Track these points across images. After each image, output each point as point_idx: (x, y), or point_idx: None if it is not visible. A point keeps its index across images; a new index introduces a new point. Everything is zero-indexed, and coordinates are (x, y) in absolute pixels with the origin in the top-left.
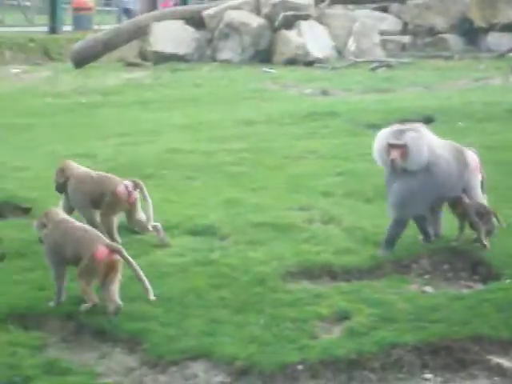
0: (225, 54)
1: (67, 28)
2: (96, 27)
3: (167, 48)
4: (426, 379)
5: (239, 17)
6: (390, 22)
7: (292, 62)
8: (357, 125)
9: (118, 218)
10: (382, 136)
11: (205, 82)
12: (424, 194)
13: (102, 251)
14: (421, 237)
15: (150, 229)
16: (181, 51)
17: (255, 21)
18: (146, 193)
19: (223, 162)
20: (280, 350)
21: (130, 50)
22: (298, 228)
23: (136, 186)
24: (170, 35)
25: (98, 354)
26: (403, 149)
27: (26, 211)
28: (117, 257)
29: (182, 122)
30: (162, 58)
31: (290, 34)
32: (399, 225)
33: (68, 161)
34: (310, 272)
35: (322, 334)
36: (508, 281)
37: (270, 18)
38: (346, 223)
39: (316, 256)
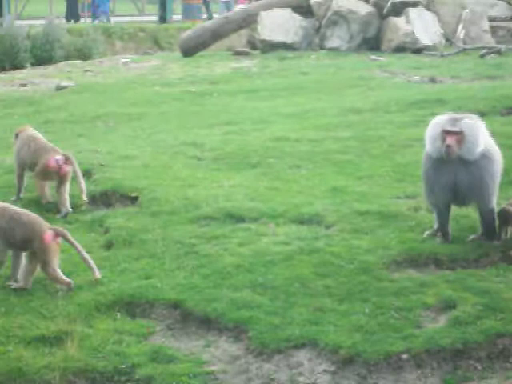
0: (332, 42)
1: (177, 17)
2: (204, 16)
3: (275, 36)
4: None
5: (347, 4)
6: (499, 8)
7: (400, 49)
8: (463, 112)
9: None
10: (437, 123)
11: (312, 70)
12: (496, 183)
13: (48, 234)
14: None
15: (85, 199)
16: (289, 39)
17: (363, 8)
18: (77, 167)
19: (329, 150)
20: (385, 339)
21: (238, 39)
22: (403, 216)
23: (67, 160)
24: (278, 24)
25: (204, 342)
26: (459, 136)
27: (133, 200)
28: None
29: (288, 110)
30: (269, 47)
31: (399, 22)
32: (494, 212)
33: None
34: (416, 260)
35: (427, 323)
36: None
37: (378, 6)
38: (452, 212)
39: (421, 244)
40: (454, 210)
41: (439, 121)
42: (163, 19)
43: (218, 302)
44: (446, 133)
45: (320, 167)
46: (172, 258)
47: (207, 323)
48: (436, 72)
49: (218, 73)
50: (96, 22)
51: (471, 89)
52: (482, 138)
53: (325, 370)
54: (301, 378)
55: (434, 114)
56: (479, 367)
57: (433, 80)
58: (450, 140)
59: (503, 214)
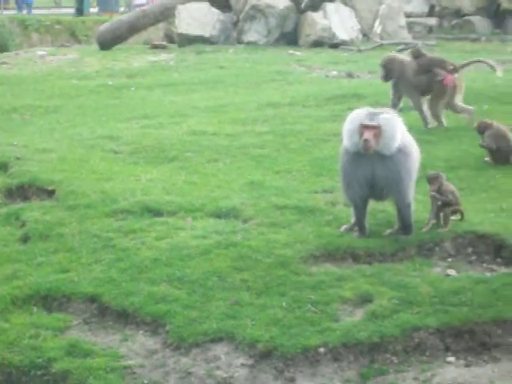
0: (250, 36)
1: (95, 10)
2: (122, 9)
3: (193, 30)
4: (449, 362)
5: None
6: (416, 5)
7: (318, 44)
8: (382, 107)
9: None
10: (355, 117)
11: (230, 65)
12: (413, 177)
13: None
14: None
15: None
16: (206, 33)
17: (281, 3)
18: None
19: (247, 144)
20: (302, 332)
21: (155, 32)
22: (321, 211)
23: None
24: (196, 17)
25: (121, 337)
26: (376, 130)
27: (49, 193)
28: None
29: (206, 104)
30: (187, 40)
31: (316, 16)
32: (411, 207)
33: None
34: (333, 255)
35: (344, 316)
36: None
37: (295, 0)
38: (369, 206)
39: (339, 239)
40: (371, 204)
41: (357, 115)
42: (80, 12)
43: (136, 295)
44: (364, 127)
45: (238, 161)
46: (89, 251)
47: (124, 317)
48: (353, 67)
49: (136, 66)
50: (24, 12)
51: (388, 84)
52: (399, 132)
53: (242, 364)
54: (218, 372)
55: (351, 109)
56: (395, 360)
57: (350, 75)
58: (368, 134)
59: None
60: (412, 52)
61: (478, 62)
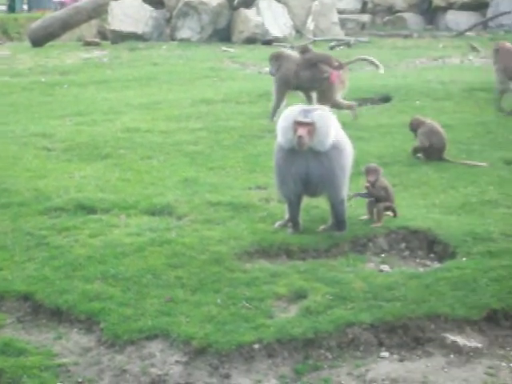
0: (183, 33)
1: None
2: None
3: (126, 27)
4: (383, 357)
5: None
6: (349, 1)
7: (251, 40)
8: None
9: None
10: (289, 114)
11: (163, 61)
12: (347, 174)
13: None
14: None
15: None
16: (139, 30)
17: None
18: None
19: (181, 141)
20: (236, 329)
21: (88, 29)
22: (254, 207)
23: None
24: (129, 14)
25: (55, 335)
26: (310, 127)
27: None
28: None
29: (139, 101)
30: (120, 37)
31: (249, 13)
32: (344, 203)
33: None
34: (267, 251)
35: (279, 313)
36: (464, 259)
37: None
38: (302, 202)
39: (273, 235)
40: (305, 200)
41: (291, 112)
42: (12, 9)
43: (70, 293)
44: (298, 124)
45: (171, 158)
46: (22, 249)
47: (58, 315)
48: None
49: (69, 63)
50: None
51: None
52: (333, 129)
53: (177, 361)
54: (153, 369)
55: (284, 105)
56: (330, 356)
57: None
58: (302, 131)
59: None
60: (299, 48)
61: (363, 59)
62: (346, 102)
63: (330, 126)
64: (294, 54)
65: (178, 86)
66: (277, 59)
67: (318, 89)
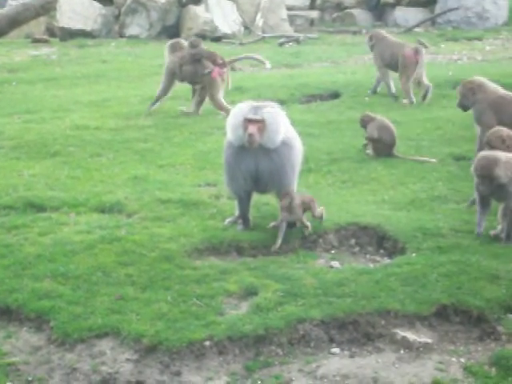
0: (132, 30)
1: None
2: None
3: (74, 24)
4: (333, 353)
5: None
6: None
7: (200, 37)
8: (264, 101)
9: None
10: (239, 111)
11: (112, 58)
12: (296, 170)
13: None
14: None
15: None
16: (88, 27)
17: None
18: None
19: (130, 138)
20: (187, 326)
21: (37, 26)
22: (204, 204)
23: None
24: (77, 11)
25: (4, 333)
26: (261, 124)
27: None
28: None
29: (88, 98)
30: (69, 34)
31: (198, 10)
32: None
33: None
34: (217, 248)
35: (230, 310)
36: (414, 255)
37: None
38: (252, 199)
39: (223, 232)
40: (255, 197)
41: (240, 110)
42: None
43: (19, 292)
44: (248, 121)
45: (121, 156)
46: None
47: (8, 314)
48: None
49: (17, 61)
50: None
51: (270, 77)
52: (282, 126)
53: (127, 359)
54: (103, 368)
55: (233, 102)
56: (281, 353)
57: (232, 68)
58: (252, 128)
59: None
60: (189, 42)
61: (247, 58)
62: (226, 105)
63: (280, 123)
64: (185, 46)
65: (127, 83)
66: (170, 49)
67: (201, 84)
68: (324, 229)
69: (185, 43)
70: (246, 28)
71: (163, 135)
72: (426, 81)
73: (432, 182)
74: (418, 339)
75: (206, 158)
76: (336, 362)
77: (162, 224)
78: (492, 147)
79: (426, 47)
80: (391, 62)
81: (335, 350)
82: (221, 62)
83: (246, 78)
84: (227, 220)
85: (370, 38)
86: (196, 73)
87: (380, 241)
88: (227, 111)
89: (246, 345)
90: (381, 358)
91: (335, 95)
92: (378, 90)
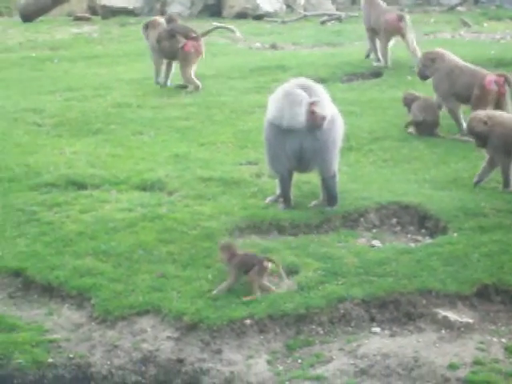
0: (174, 8)
1: None
2: None
3: (116, 2)
4: (374, 333)
5: None
6: None
7: (242, 15)
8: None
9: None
10: (299, 97)
11: None
12: (338, 148)
13: None
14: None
15: None
16: (130, 5)
17: None
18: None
19: (172, 116)
20: (228, 305)
21: (79, 4)
22: (246, 182)
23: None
24: None
25: (46, 311)
26: (320, 104)
27: None
28: None
29: (130, 76)
30: (110, 13)
31: None
32: (336, 178)
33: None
34: (258, 227)
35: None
36: (455, 234)
37: None
38: (293, 177)
39: (264, 210)
40: (296, 176)
41: (299, 95)
42: None
43: (61, 269)
44: (312, 104)
45: (162, 134)
46: (13, 225)
47: (49, 291)
48: (277, 38)
49: (59, 38)
50: None
51: (312, 55)
52: (329, 105)
53: (168, 337)
54: (144, 345)
55: (275, 81)
56: (321, 331)
57: (274, 46)
58: (320, 111)
59: None
60: (165, 19)
61: (218, 27)
62: (195, 80)
63: (327, 103)
64: (163, 23)
65: None
66: (146, 28)
67: (177, 58)
68: (365, 208)
69: (162, 21)
70: (288, 6)
71: (204, 113)
72: (416, 51)
73: (474, 161)
74: (460, 319)
75: (247, 136)
76: (377, 341)
77: (203, 202)
78: (476, 134)
79: (468, 26)
80: (375, 27)
81: (376, 329)
82: (194, 35)
83: (287, 57)
84: (268, 199)
85: None
86: (173, 48)
87: (421, 220)
88: (195, 86)
89: (287, 323)
90: (422, 338)
91: (377, 74)
92: (371, 56)
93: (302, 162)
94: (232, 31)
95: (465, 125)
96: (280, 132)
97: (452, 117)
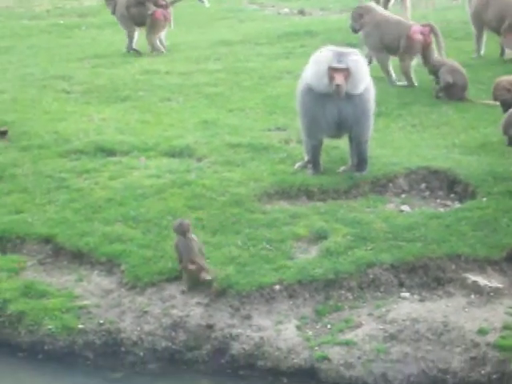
0: None
1: None
2: None
3: None
4: (403, 298)
5: None
6: None
7: None
8: (334, 44)
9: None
10: (323, 59)
11: (181, 3)
12: (373, 114)
13: None
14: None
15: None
16: None
17: None
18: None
19: (200, 83)
20: (257, 270)
21: None
22: (274, 148)
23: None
24: None
25: (76, 277)
26: (346, 72)
27: (2, 134)
28: None
29: None
30: None
31: None
32: (368, 143)
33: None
34: (287, 192)
35: (299, 254)
36: (484, 199)
37: None
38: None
39: (293, 176)
40: (325, 141)
41: (325, 57)
42: None
43: (90, 236)
44: (333, 70)
45: (191, 100)
46: (43, 192)
47: (79, 257)
48: (305, 4)
49: (87, 5)
50: None
51: (340, 20)
52: (366, 73)
53: (198, 303)
54: (174, 311)
55: (303, 46)
56: (350, 297)
57: (302, 12)
58: (339, 78)
59: None
60: None
61: None
62: (159, 45)
63: (364, 70)
64: None
65: (196, 27)
66: None
67: (146, 25)
68: (394, 173)
69: None
70: None
71: (233, 79)
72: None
73: None
74: (489, 284)
75: (276, 102)
76: (406, 306)
77: (231, 168)
78: (501, 101)
79: None
80: None
81: (405, 294)
82: (163, 3)
83: (315, 22)
84: (297, 164)
85: None
86: (141, 15)
87: (450, 185)
88: (158, 52)
89: (316, 289)
90: (451, 303)
91: None
92: None
93: (340, 129)
94: (202, 1)
95: (394, 76)
96: (317, 97)
97: (382, 69)
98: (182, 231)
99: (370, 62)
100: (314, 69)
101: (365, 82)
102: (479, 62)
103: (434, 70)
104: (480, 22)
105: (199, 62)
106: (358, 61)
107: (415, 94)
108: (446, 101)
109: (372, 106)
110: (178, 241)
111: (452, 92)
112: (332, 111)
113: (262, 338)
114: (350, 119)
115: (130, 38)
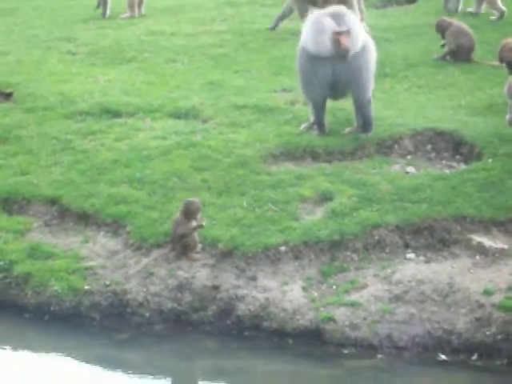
0: None
1: None
2: None
3: None
4: (409, 259)
5: None
6: None
7: None
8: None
9: None
10: (325, 25)
11: None
12: (372, 74)
13: None
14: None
15: None
16: None
17: None
18: None
19: (205, 44)
20: (263, 231)
21: None
22: (280, 110)
23: None
24: None
25: (82, 238)
26: (348, 34)
27: (7, 96)
28: None
29: (164, 4)
30: None
31: None
32: (370, 104)
33: None
34: (293, 153)
35: (305, 215)
36: (490, 160)
37: None
38: (328, 104)
39: (298, 137)
40: (330, 102)
41: (325, 22)
42: None
43: (96, 197)
44: (338, 34)
45: (196, 61)
46: (48, 153)
47: (85, 219)
48: None
49: None
50: None
51: None
52: (361, 32)
53: (204, 264)
54: (180, 272)
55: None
56: (356, 258)
57: None
58: (346, 41)
59: None
60: None
61: None
62: (135, 10)
63: (360, 30)
64: None
65: None
66: None
67: None
68: (400, 134)
69: None
70: None
71: (238, 41)
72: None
73: None
74: (494, 245)
75: (282, 63)
76: (411, 267)
77: (237, 130)
78: (507, 62)
79: None
80: None
81: (410, 255)
82: None
83: None
84: (302, 126)
85: None
86: None
87: (456, 146)
88: (132, 14)
89: (322, 250)
90: (456, 264)
91: (411, 0)
92: None
93: (336, 89)
94: None
95: None
96: (312, 58)
97: (300, 19)
98: (186, 212)
99: (290, 13)
100: (313, 34)
101: (360, 41)
102: (486, 22)
103: (441, 29)
104: None
105: (205, 23)
106: (354, 20)
107: (421, 55)
108: (452, 62)
109: (371, 66)
110: (179, 220)
111: (458, 54)
112: (326, 72)
113: (267, 299)
114: (344, 80)
115: (105, 2)
